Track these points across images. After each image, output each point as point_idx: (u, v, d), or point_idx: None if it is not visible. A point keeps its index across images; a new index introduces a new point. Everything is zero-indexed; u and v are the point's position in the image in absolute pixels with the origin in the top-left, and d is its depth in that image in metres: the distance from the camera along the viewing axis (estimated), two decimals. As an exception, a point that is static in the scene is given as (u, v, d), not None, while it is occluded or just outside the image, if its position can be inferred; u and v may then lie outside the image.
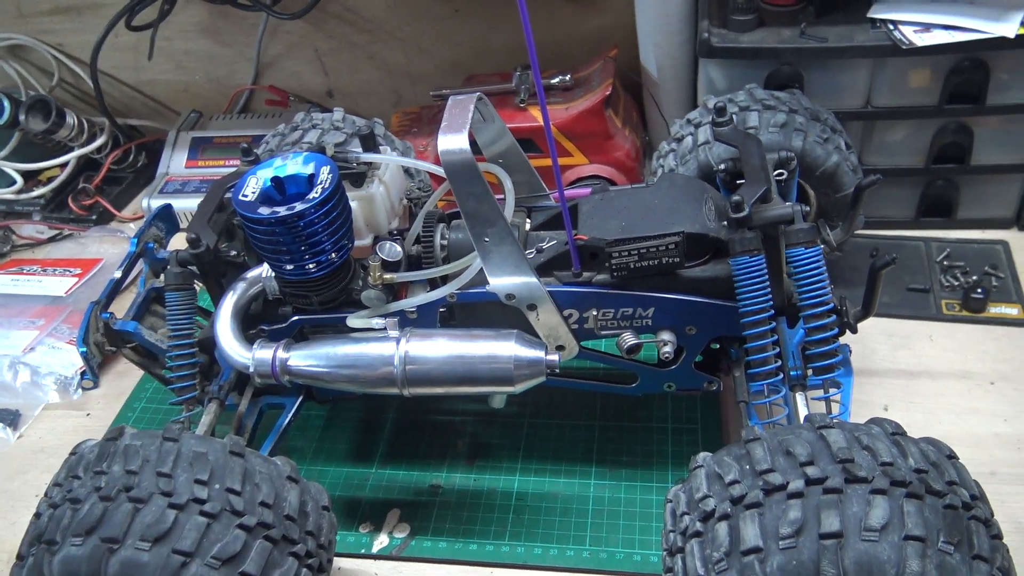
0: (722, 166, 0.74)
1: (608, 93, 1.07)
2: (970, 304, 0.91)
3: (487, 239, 0.65)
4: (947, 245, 1.00)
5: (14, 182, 1.32)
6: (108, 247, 1.24)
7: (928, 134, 0.96)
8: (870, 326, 0.93)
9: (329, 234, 0.68)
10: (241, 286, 0.74)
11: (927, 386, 0.86)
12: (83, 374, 0.97)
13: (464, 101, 0.65)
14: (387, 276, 0.70)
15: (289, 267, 0.69)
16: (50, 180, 1.34)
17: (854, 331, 0.69)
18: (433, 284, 0.73)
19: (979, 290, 0.91)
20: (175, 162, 1.31)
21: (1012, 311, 0.91)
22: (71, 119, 1.28)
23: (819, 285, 0.62)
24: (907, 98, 0.94)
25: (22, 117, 1.23)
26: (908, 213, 1.04)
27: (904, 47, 0.87)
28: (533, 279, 0.66)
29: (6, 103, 1.25)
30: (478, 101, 0.67)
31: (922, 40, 0.88)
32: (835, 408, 0.67)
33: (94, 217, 1.30)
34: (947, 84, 0.91)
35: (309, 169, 0.69)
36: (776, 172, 0.70)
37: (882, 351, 0.90)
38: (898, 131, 0.97)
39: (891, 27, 0.90)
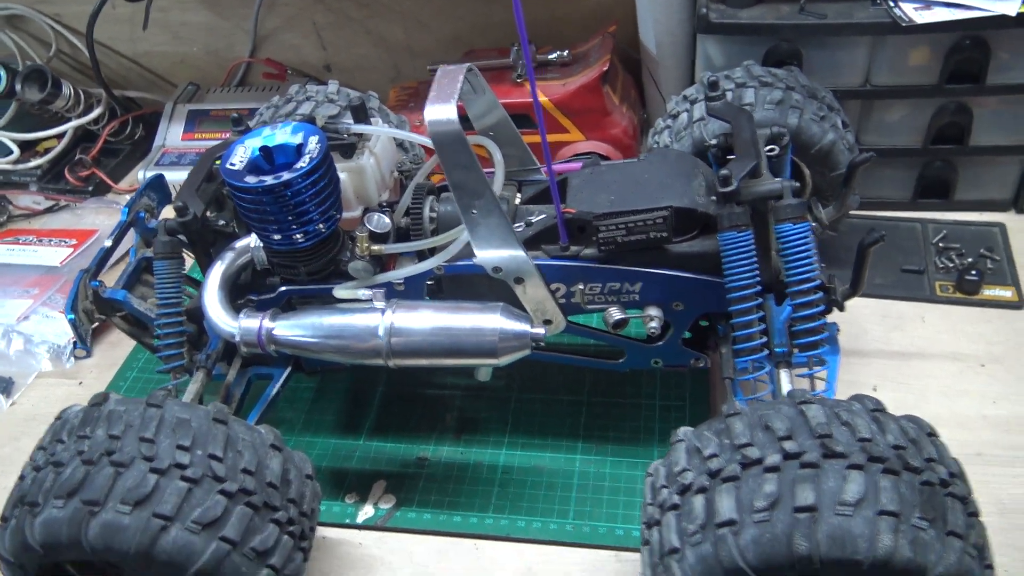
0: (713, 141, 0.73)
1: (605, 69, 1.07)
2: (964, 286, 0.91)
3: (474, 211, 0.65)
4: (943, 227, 1.00)
5: (11, 152, 1.32)
6: (104, 218, 1.24)
7: (927, 114, 0.95)
8: (863, 307, 0.93)
9: (316, 204, 0.67)
10: (229, 256, 0.74)
11: (918, 367, 0.85)
12: (75, 343, 0.98)
13: (454, 72, 0.64)
14: (375, 248, 0.70)
15: (276, 237, 0.69)
16: (47, 151, 1.34)
17: (841, 309, 0.68)
18: (421, 256, 0.73)
19: (973, 272, 0.90)
20: (172, 134, 1.31)
21: (1006, 294, 0.91)
22: (67, 90, 1.28)
23: (806, 261, 0.62)
24: (906, 77, 0.93)
25: (18, 87, 1.23)
26: (905, 194, 1.03)
27: (904, 24, 0.86)
28: (520, 252, 0.66)
29: (2, 73, 1.24)
30: (468, 72, 0.66)
31: (922, 17, 0.86)
32: (820, 386, 0.67)
33: (90, 188, 1.30)
34: (947, 63, 0.90)
35: (298, 139, 0.69)
36: (768, 148, 0.69)
37: (875, 332, 0.90)
38: (896, 110, 0.96)
39: (891, 4, 0.89)
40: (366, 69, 1.36)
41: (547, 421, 0.84)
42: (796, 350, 0.65)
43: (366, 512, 0.77)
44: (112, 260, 0.86)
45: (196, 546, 0.57)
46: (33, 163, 1.32)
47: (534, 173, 0.76)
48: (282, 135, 0.69)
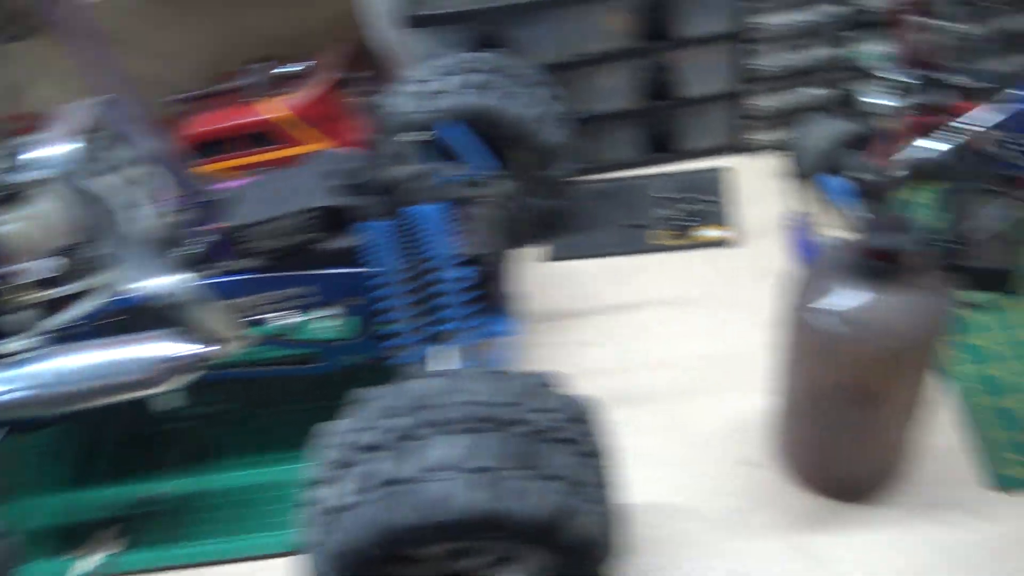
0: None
1: (339, 76, 1.08)
2: (680, 232, 0.95)
3: (116, 248, 0.65)
4: (671, 179, 1.04)
5: None
6: None
7: (636, 75, 0.99)
8: (591, 268, 0.96)
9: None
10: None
11: (636, 318, 0.89)
12: None
13: (78, 109, 0.65)
14: (30, 297, 0.70)
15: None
16: None
17: (503, 283, 0.71)
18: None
19: (684, 219, 0.95)
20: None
21: (722, 233, 0.95)
22: None
23: (437, 240, 0.64)
24: (612, 42, 0.96)
25: None
26: (635, 153, 1.07)
27: (571, -7, 0.90)
28: (171, 278, 0.67)
29: None
30: (103, 106, 0.66)
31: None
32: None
33: None
34: (643, 24, 0.94)
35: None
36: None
37: (601, 290, 0.93)
38: (609, 75, 1.00)
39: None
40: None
41: (282, 434, 0.84)
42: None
43: (87, 564, 0.76)
44: None
45: None
46: None
47: (208, 192, 0.77)
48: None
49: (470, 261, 0.67)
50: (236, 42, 1.26)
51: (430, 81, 0.87)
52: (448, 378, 0.57)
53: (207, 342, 0.69)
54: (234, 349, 0.71)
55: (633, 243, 0.97)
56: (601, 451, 0.58)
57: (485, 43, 0.97)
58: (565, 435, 0.56)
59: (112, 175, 0.68)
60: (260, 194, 0.70)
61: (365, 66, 1.19)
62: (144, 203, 0.69)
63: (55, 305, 0.72)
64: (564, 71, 0.98)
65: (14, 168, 0.77)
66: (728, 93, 1.01)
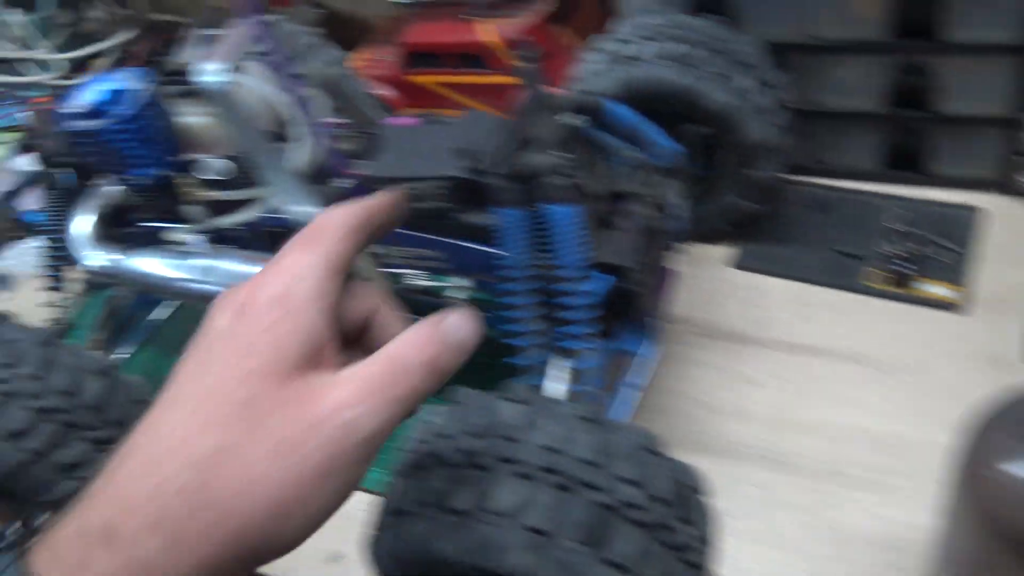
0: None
1: (553, 8, 1.00)
2: (898, 278, 0.80)
3: (267, 169, 0.65)
4: (909, 206, 0.87)
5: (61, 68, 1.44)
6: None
7: (884, 73, 0.82)
8: (780, 290, 0.84)
9: (141, 148, 0.70)
10: (104, 189, 0.79)
11: (811, 363, 0.76)
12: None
13: (246, 26, 0.63)
14: (200, 193, 0.72)
15: (116, 178, 0.72)
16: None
17: (646, 300, 0.62)
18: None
19: (913, 264, 0.79)
20: (186, 58, 1.37)
21: (946, 292, 0.78)
22: (96, 12, 1.37)
23: (568, 246, 0.57)
24: (854, 30, 0.80)
25: (51, 9, 1.33)
26: (873, 164, 0.90)
27: (837, -31, 0.74)
28: (314, 210, 0.65)
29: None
30: (269, 26, 0.65)
31: (864, -39, 0.74)
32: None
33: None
34: (903, 15, 0.76)
35: (137, 85, 0.71)
36: (580, 116, 0.63)
37: (782, 320, 0.81)
38: (851, 68, 0.83)
39: (835, -55, 0.77)
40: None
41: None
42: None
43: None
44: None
45: (4, 453, 0.64)
46: (77, 80, 1.44)
47: (366, 126, 0.74)
48: (125, 80, 0.71)
49: (610, 270, 0.59)
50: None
51: (629, 43, 0.77)
52: (536, 409, 0.51)
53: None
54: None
55: (839, 275, 0.82)
56: (692, 546, 0.50)
57: (703, 6, 0.84)
58: (651, 518, 0.48)
59: (283, 93, 0.67)
60: (405, 145, 0.66)
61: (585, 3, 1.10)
62: (308, 126, 0.68)
63: (220, 207, 0.74)
64: (791, 53, 0.83)
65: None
66: (1004, 119, 0.80)
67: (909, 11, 0.76)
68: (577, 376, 0.60)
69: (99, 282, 0.77)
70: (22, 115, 1.40)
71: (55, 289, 0.80)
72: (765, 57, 0.78)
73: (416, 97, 1.10)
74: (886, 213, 0.86)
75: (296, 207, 0.67)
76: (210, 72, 0.60)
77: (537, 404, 0.52)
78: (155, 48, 1.45)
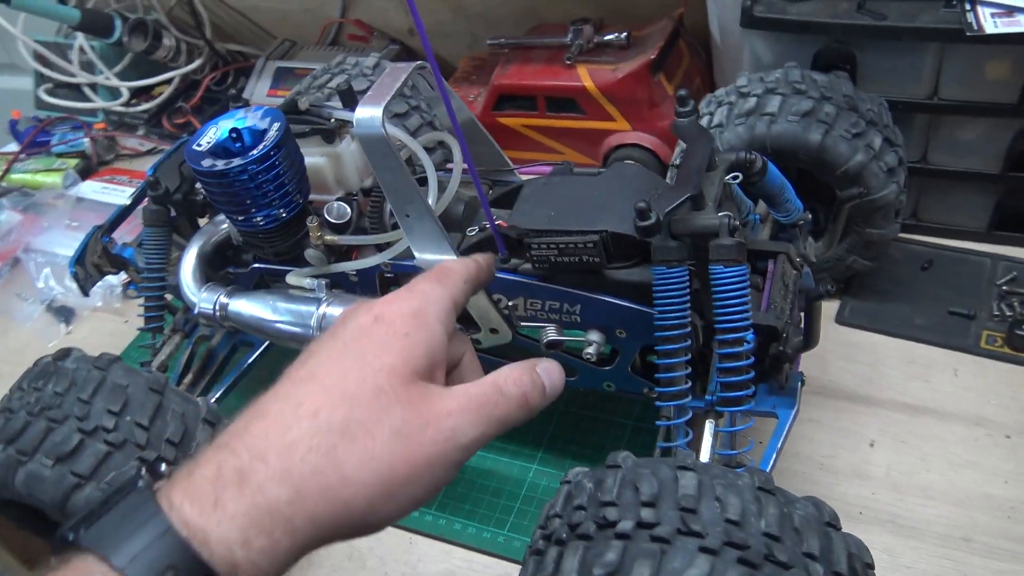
0: (677, 161, 0.67)
1: (653, 57, 1.00)
2: (1013, 340, 0.79)
3: (408, 215, 0.64)
4: (1016, 267, 0.86)
5: (121, 96, 1.43)
6: (190, 165, 1.33)
7: (1006, 135, 0.82)
8: (890, 348, 0.83)
9: (275, 189, 0.68)
10: (209, 229, 0.78)
11: (930, 426, 0.75)
12: (129, 285, 1.07)
13: (399, 71, 0.63)
14: (327, 237, 0.71)
15: (240, 219, 0.71)
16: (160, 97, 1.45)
17: (790, 361, 0.61)
18: (381, 250, 0.73)
19: (1027, 325, 0.78)
20: (259, 89, 1.37)
21: (1065, 356, 0.78)
22: (169, 41, 1.37)
23: (734, 307, 0.56)
24: (981, 92, 0.80)
25: (125, 37, 1.33)
26: (980, 224, 0.90)
27: (969, 33, 0.74)
28: (453, 257, 0.64)
29: (118, 23, 1.35)
30: (421, 70, 0.64)
31: (996, 27, 0.74)
32: (737, 444, 0.60)
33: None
34: (1029, 79, 0.77)
35: (265, 124, 0.70)
36: (731, 175, 0.62)
37: (893, 378, 0.80)
38: (970, 129, 0.84)
39: (967, 7, 0.77)
40: (445, 35, 1.35)
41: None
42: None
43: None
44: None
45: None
46: (143, 107, 1.44)
47: (508, 173, 0.74)
48: (252, 119, 0.70)
49: (760, 330, 0.58)
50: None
51: (753, 96, 0.76)
52: (711, 478, 0.50)
53: (467, 326, 0.67)
54: (490, 340, 0.69)
55: (951, 334, 0.82)
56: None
57: (826, 63, 0.84)
58: (836, 596, 0.47)
59: (419, 138, 0.67)
60: (550, 197, 0.65)
61: (688, 53, 1.10)
62: (443, 173, 0.67)
63: (340, 251, 0.73)
64: (911, 112, 0.83)
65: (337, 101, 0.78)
66: None
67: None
68: (733, 439, 0.58)
69: (210, 324, 0.75)
70: (83, 140, 1.40)
71: (154, 330, 0.79)
72: (887, 115, 0.77)
73: (499, 138, 1.09)
74: (995, 273, 0.86)
75: (427, 254, 0.66)
76: (368, 116, 0.59)
77: (710, 472, 0.51)
78: (222, 78, 1.45)
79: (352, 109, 0.77)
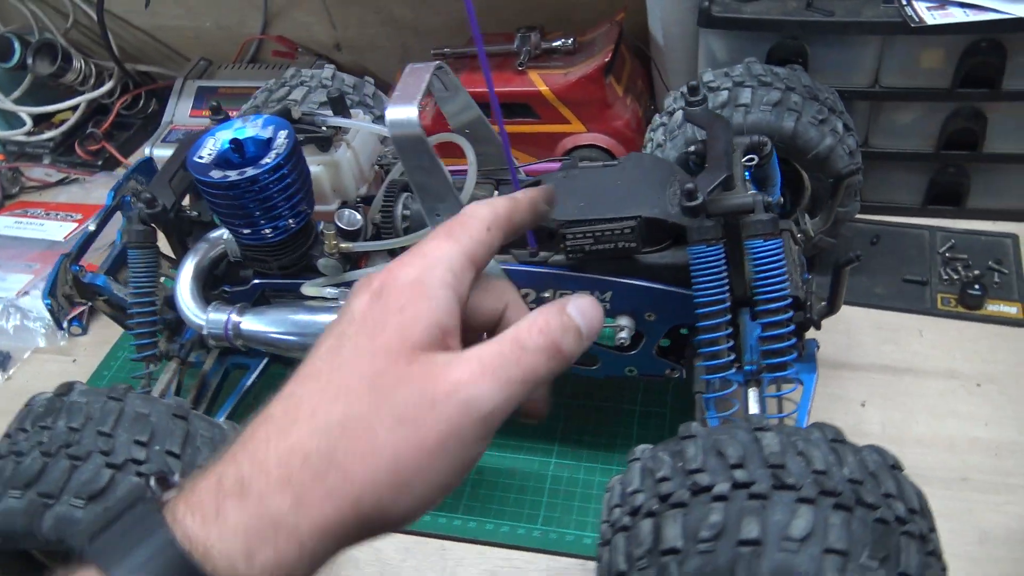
0: (691, 148, 0.71)
1: (607, 60, 1.04)
2: (967, 300, 0.87)
3: (438, 214, 0.63)
4: (953, 236, 0.96)
5: (24, 124, 1.33)
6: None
7: (939, 118, 0.91)
8: (860, 317, 0.90)
9: (285, 199, 0.66)
10: (203, 247, 0.74)
11: (909, 383, 0.82)
12: (72, 320, 1.00)
13: (421, 70, 0.63)
14: (343, 245, 0.69)
15: (246, 231, 0.68)
16: (63, 123, 1.36)
17: (817, 327, 0.66)
18: (393, 255, 0.72)
19: (977, 286, 0.87)
20: (180, 111, 1.31)
21: (1011, 310, 0.87)
22: (78, 63, 1.28)
23: (775, 279, 0.60)
24: (918, 79, 0.88)
25: (29, 60, 1.24)
26: (915, 200, 0.99)
27: (914, 25, 0.82)
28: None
29: (16, 45, 1.25)
30: (438, 71, 0.64)
31: (935, 18, 0.82)
32: (785, 408, 0.64)
33: (100, 163, 1.31)
34: (961, 66, 0.86)
35: (268, 133, 0.67)
36: (746, 158, 0.67)
37: (868, 344, 0.87)
38: (907, 113, 0.92)
39: (904, 2, 0.85)
40: (375, 49, 1.35)
41: (525, 423, 0.83)
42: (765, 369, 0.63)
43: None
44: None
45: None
46: (47, 135, 1.34)
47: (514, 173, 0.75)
48: (252, 128, 0.68)
49: (795, 305, 0.62)
50: (501, 2, 1.24)
51: (720, 90, 0.81)
52: (787, 435, 0.53)
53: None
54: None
55: (911, 300, 0.89)
56: (939, 554, 0.53)
57: (780, 58, 0.91)
58: (917, 529, 0.51)
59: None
60: (577, 189, 0.67)
61: (629, 56, 1.15)
62: (459, 177, 0.67)
63: (351, 258, 0.72)
64: (855, 99, 0.91)
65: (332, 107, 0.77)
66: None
67: (971, 64, 0.84)
68: (780, 404, 0.62)
69: (219, 344, 0.71)
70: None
71: (149, 358, 0.74)
72: (840, 103, 0.84)
73: (454, 147, 1.10)
74: (935, 243, 0.95)
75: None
76: (404, 116, 0.58)
77: (785, 431, 0.54)
78: (132, 102, 1.38)
79: (345, 116, 0.76)
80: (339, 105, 0.76)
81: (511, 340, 0.39)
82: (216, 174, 0.65)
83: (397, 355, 0.38)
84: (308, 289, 0.69)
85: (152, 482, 0.39)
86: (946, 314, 0.88)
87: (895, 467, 0.54)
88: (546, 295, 0.69)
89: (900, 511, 0.51)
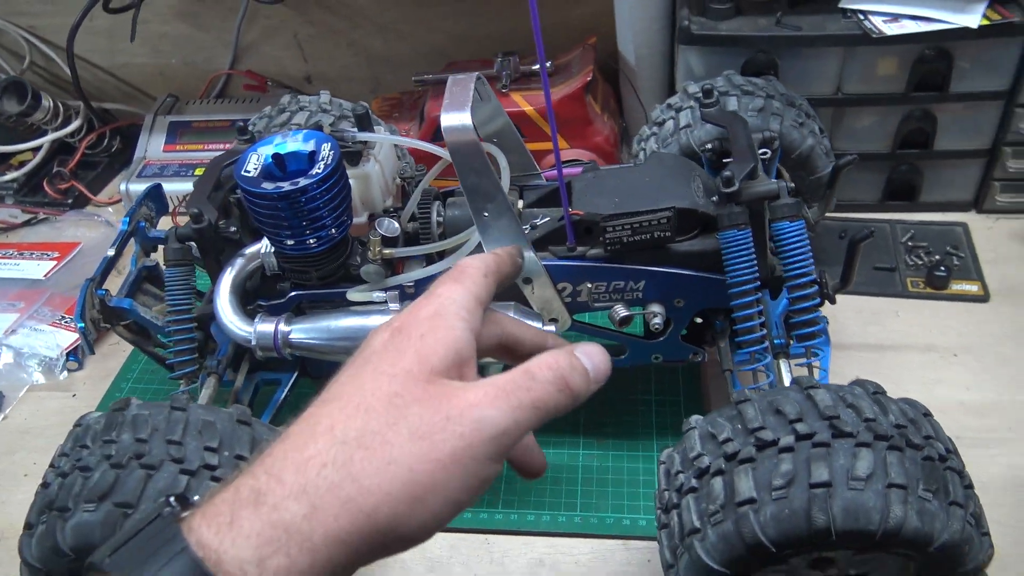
0: (708, 146, 0.77)
1: (588, 79, 1.10)
2: (933, 282, 0.96)
3: (486, 214, 0.67)
4: (911, 227, 1.05)
5: (-14, 164, 1.30)
6: (85, 231, 1.23)
7: (894, 120, 1.01)
8: (842, 303, 0.96)
9: (330, 210, 0.69)
10: (240, 262, 0.75)
11: (894, 358, 0.90)
12: (68, 355, 0.98)
13: (464, 80, 0.67)
14: (386, 251, 0.72)
15: (290, 242, 0.70)
16: (22, 164, 1.33)
17: (833, 302, 0.73)
18: (429, 260, 0.75)
19: (942, 268, 0.96)
20: (152, 146, 1.31)
21: (972, 288, 0.96)
22: (47, 102, 1.27)
23: (803, 257, 0.66)
24: (875, 86, 0.98)
25: (-3, 99, 1.21)
26: (874, 196, 1.08)
27: (874, 36, 0.92)
28: (530, 253, 0.69)
29: (-22, 85, 1.23)
30: (476, 81, 0.69)
31: (891, 30, 0.92)
32: (816, 374, 0.71)
33: (70, 201, 1.29)
34: (913, 72, 0.96)
35: (310, 146, 0.70)
36: (760, 151, 0.73)
37: (852, 327, 0.95)
38: (866, 117, 1.02)
39: (861, 17, 0.95)
40: (347, 80, 1.38)
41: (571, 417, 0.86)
42: (794, 341, 0.68)
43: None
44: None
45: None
46: (9, 176, 1.31)
47: (535, 178, 0.79)
48: (293, 143, 0.71)
49: (814, 282, 0.69)
50: (472, 32, 1.29)
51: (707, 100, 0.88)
52: (835, 391, 0.59)
53: (543, 320, 0.71)
54: (560, 329, 0.73)
55: (884, 285, 0.98)
56: (970, 486, 0.59)
57: (753, 70, 0.99)
58: (956, 465, 0.57)
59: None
60: (608, 188, 0.72)
61: (601, 76, 1.22)
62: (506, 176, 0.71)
63: (390, 264, 0.75)
64: (820, 106, 1.00)
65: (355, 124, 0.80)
66: (985, 151, 1.02)
67: (922, 71, 0.95)
68: (811, 371, 0.68)
69: (267, 355, 0.72)
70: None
71: (189, 375, 0.74)
72: (811, 109, 0.93)
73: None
74: (896, 234, 1.04)
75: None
76: (460, 123, 0.62)
77: (832, 388, 0.59)
78: (97, 140, 1.36)
79: (368, 131, 0.80)
80: (364, 121, 0.80)
81: (523, 371, 0.42)
82: (268, 185, 0.67)
83: (416, 377, 0.41)
84: (355, 295, 0.72)
85: (172, 499, 0.40)
86: (917, 295, 0.97)
87: (927, 414, 0.60)
88: (583, 287, 0.73)
89: (941, 450, 0.57)
